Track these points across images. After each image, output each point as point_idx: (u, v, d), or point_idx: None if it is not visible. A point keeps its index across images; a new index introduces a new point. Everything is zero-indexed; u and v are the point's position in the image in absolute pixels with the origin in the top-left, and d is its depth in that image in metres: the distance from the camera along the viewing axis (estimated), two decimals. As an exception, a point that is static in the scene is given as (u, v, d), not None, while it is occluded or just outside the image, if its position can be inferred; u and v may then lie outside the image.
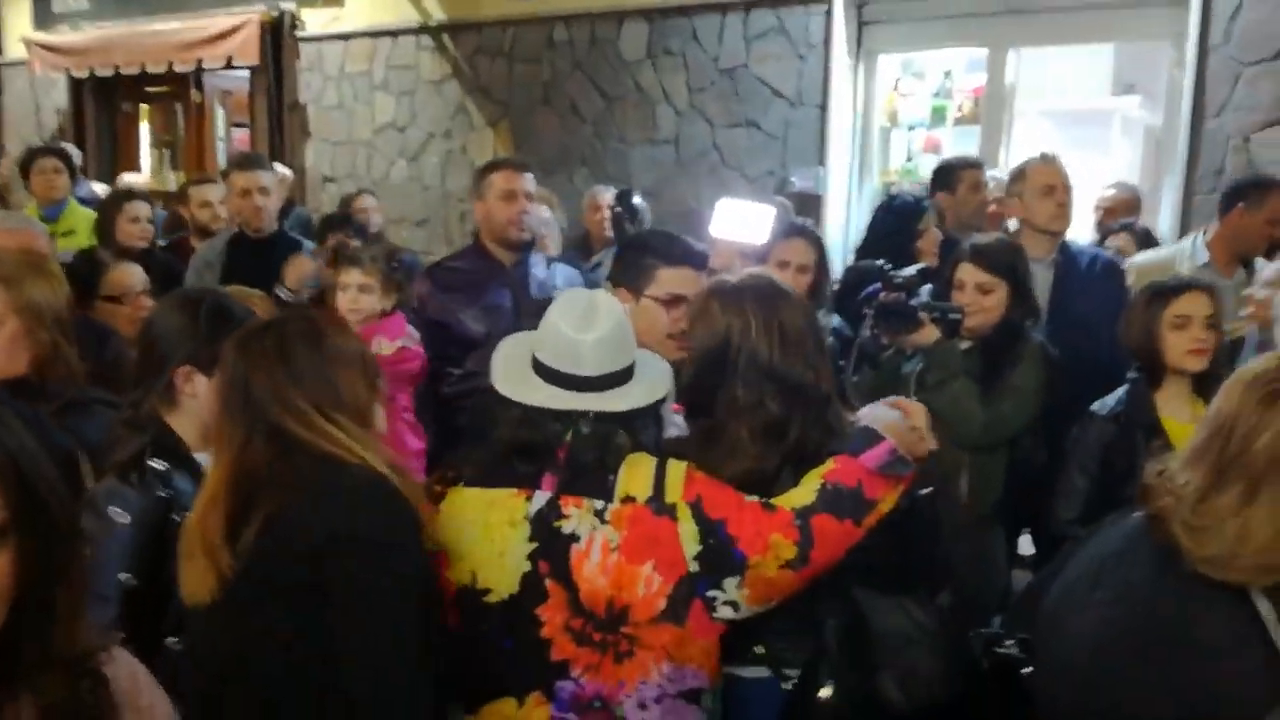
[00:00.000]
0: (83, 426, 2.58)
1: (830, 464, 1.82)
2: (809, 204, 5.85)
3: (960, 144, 6.23)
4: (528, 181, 3.64)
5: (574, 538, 1.74)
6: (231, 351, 1.75)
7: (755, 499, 1.78)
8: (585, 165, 6.57)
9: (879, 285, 2.96)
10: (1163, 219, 5.12)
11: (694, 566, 1.72)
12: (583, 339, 1.80)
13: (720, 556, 1.72)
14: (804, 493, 1.79)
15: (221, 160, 8.75)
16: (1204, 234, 3.99)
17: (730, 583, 1.74)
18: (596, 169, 6.50)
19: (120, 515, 1.89)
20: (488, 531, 1.79)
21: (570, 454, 1.78)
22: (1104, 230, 4.70)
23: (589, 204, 5.64)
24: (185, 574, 1.67)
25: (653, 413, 1.89)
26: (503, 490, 1.81)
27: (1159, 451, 2.42)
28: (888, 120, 6.15)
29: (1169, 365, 2.74)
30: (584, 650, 1.73)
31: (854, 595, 1.93)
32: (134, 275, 3.16)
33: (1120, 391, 2.82)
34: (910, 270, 2.99)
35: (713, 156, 6.17)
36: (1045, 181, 3.53)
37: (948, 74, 6.08)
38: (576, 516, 1.75)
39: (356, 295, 3.20)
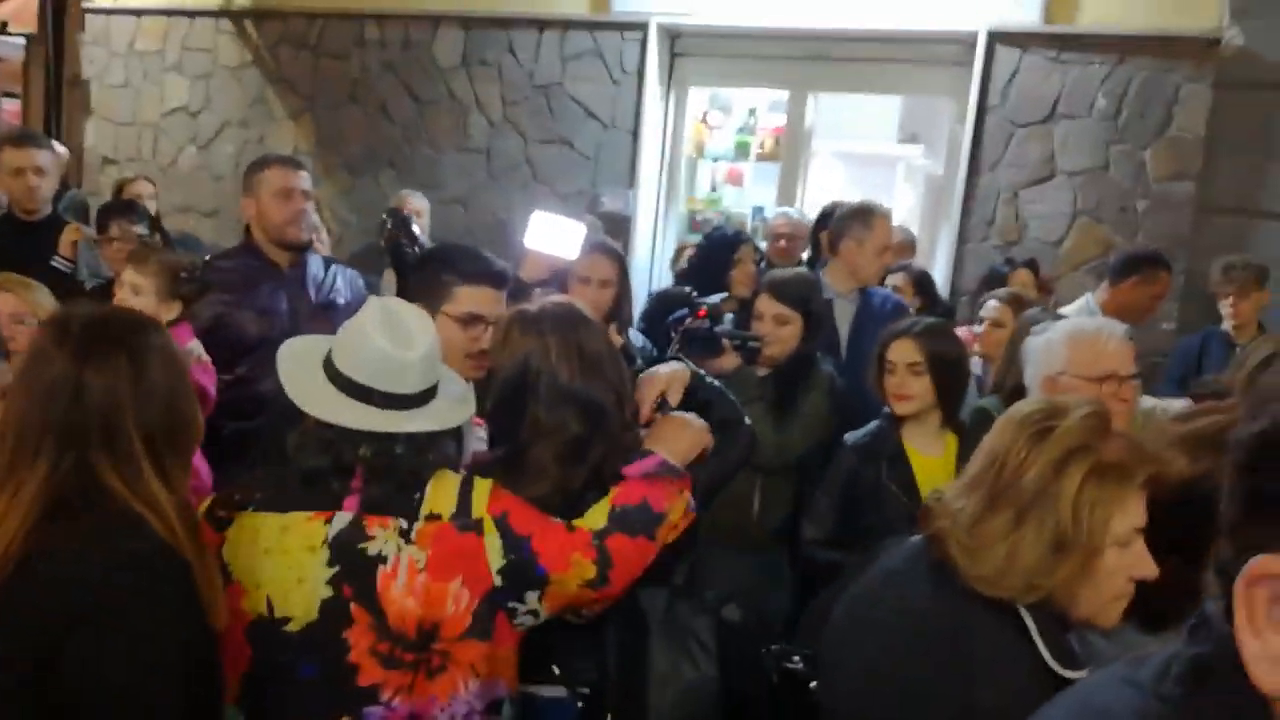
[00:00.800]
0: None
1: (615, 489, 1.87)
2: (618, 224, 5.95)
3: (761, 179, 6.53)
4: (304, 180, 3.48)
5: (380, 559, 1.69)
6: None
7: (558, 520, 1.80)
8: (393, 168, 6.44)
9: (685, 311, 3.05)
10: (938, 263, 5.52)
11: (498, 580, 1.72)
12: (407, 356, 1.74)
13: (523, 571, 1.73)
14: (598, 515, 1.83)
15: (-15, 131, 8.03)
16: (1093, 296, 4.25)
17: (531, 595, 1.75)
18: (405, 173, 6.37)
19: None
20: (285, 558, 1.71)
21: (378, 473, 1.73)
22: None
23: (396, 208, 5.52)
24: None
25: (457, 429, 1.87)
26: (298, 514, 1.73)
27: (898, 480, 2.71)
28: (695, 150, 6.35)
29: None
30: (394, 673, 1.68)
31: (639, 604, 2.00)
32: None
33: (873, 424, 2.91)
34: (715, 298, 3.10)
35: (524, 170, 6.19)
36: (883, 241, 3.72)
37: (752, 111, 6.35)
38: (382, 537, 1.70)
39: (126, 295, 2.89)
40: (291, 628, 1.70)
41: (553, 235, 3.29)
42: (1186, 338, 4.69)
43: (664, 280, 5.87)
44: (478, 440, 2.21)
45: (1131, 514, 1.49)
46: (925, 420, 2.83)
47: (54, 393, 1.47)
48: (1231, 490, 0.86)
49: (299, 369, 1.79)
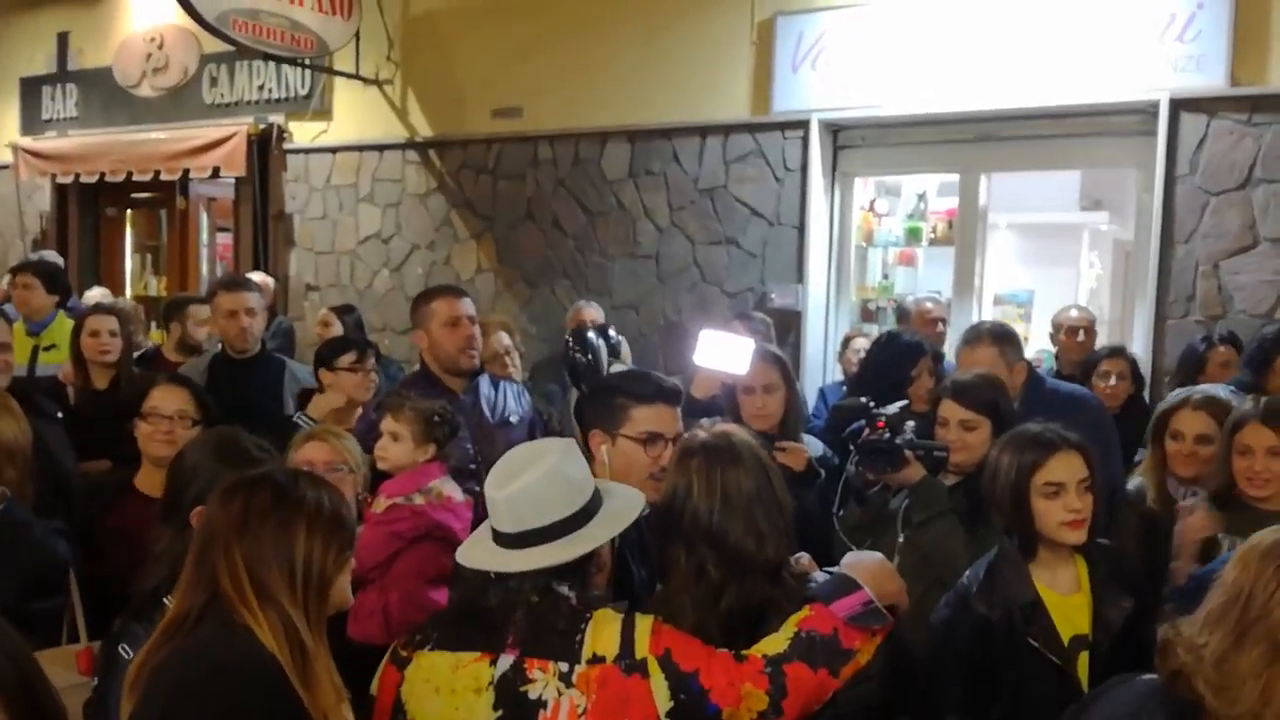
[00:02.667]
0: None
1: (805, 611, 1.80)
2: (789, 320, 5.96)
3: (933, 262, 6.39)
4: (468, 306, 3.66)
5: (541, 703, 1.70)
6: (213, 498, 1.79)
7: (725, 650, 1.75)
8: (567, 278, 6.66)
9: (863, 423, 2.99)
10: (1137, 341, 5.22)
11: None
12: (496, 495, 1.82)
13: (693, 710, 1.69)
14: (778, 640, 1.76)
15: (204, 266, 8.81)
16: None
17: None
18: (579, 282, 6.59)
19: (127, 653, 1.92)
20: (453, 699, 1.76)
21: (529, 615, 1.76)
22: (1088, 355, 4.69)
23: (572, 318, 5.70)
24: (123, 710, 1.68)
25: (579, 567, 1.82)
26: (468, 654, 1.78)
27: (1040, 634, 2.28)
28: (863, 239, 6.29)
29: (1043, 536, 2.37)
30: None
31: None
32: (167, 398, 3.10)
33: (991, 559, 2.43)
34: (893, 408, 3.02)
35: (693, 272, 6.28)
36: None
37: (921, 196, 6.25)
38: (542, 680, 1.72)
39: (386, 443, 3.05)
40: None
41: (722, 352, 3.31)
42: None
43: (836, 372, 5.79)
44: None
45: None
46: (1056, 549, 2.40)
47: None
48: None
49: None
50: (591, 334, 4.82)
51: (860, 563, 1.91)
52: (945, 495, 2.96)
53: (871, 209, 6.26)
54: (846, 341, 5.42)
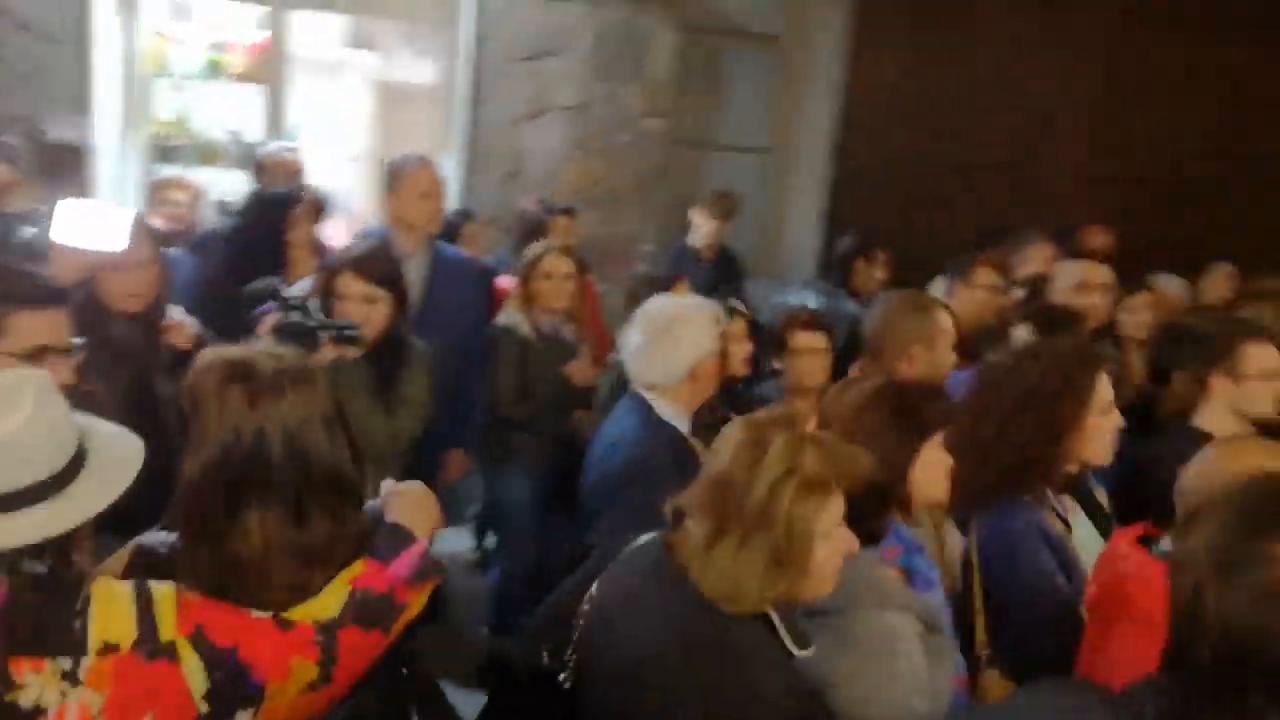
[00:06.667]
0: None
1: (359, 567, 1.67)
2: (71, 156, 5.12)
3: (241, 100, 5.98)
4: None
5: (39, 711, 1.41)
6: None
7: (268, 615, 1.58)
8: None
9: (273, 305, 2.84)
10: (449, 195, 5.58)
11: (204, 707, 1.50)
12: None
13: (233, 689, 1.52)
14: (329, 602, 1.62)
15: None
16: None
17: (244, 715, 1.54)
18: None
19: None
20: None
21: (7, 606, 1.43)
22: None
23: None
24: None
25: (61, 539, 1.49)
26: None
27: None
28: (154, 68, 5.60)
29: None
30: None
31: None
32: None
33: None
34: (300, 287, 2.92)
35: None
36: (424, 187, 3.63)
37: (222, 28, 5.76)
38: (37, 684, 1.42)
39: None
40: None
41: (88, 226, 2.81)
42: (669, 245, 5.33)
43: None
44: None
45: (833, 513, 1.71)
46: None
47: None
48: None
49: None
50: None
51: (403, 497, 1.82)
52: (361, 372, 2.97)
53: (165, 34, 5.57)
54: (160, 189, 4.81)
